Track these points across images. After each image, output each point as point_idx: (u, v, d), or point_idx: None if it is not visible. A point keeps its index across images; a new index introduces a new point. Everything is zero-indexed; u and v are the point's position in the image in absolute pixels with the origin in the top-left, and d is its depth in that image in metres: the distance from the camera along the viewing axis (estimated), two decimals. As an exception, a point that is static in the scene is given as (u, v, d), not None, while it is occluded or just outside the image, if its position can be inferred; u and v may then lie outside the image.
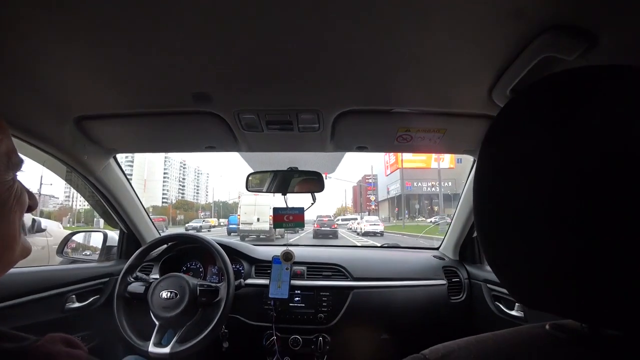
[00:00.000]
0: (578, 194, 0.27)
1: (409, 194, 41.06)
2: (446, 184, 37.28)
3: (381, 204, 54.02)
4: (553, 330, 0.35)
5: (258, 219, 16.25)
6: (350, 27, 0.64)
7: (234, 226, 17.69)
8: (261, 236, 15.76)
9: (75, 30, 0.65)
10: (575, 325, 0.34)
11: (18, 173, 0.44)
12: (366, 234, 19.99)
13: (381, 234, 19.90)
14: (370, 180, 60.69)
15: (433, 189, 39.06)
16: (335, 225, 18.85)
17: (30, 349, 0.37)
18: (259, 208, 16.20)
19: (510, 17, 0.60)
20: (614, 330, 0.31)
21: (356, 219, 28.39)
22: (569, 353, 0.32)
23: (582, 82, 0.31)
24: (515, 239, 0.33)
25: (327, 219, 18.93)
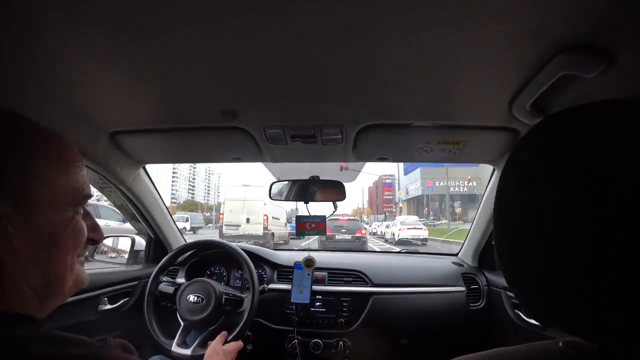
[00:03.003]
0: (593, 219, 0.30)
1: (431, 195, 40.48)
2: (471, 183, 36.53)
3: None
4: (566, 347, 0.37)
5: (248, 220, 12.00)
6: (373, 47, 0.70)
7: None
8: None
9: (111, 53, 0.73)
10: (587, 344, 0.36)
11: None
12: (402, 242, 14.64)
13: (424, 242, 14.66)
14: (388, 181, 59.83)
15: (457, 189, 38.31)
16: (364, 232, 12.73)
17: (99, 355, 0.41)
18: (249, 204, 12.04)
19: (529, 37, 0.64)
20: (622, 349, 0.33)
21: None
22: None
23: (609, 117, 0.33)
24: (530, 256, 0.35)
25: (346, 218, 12.57)
